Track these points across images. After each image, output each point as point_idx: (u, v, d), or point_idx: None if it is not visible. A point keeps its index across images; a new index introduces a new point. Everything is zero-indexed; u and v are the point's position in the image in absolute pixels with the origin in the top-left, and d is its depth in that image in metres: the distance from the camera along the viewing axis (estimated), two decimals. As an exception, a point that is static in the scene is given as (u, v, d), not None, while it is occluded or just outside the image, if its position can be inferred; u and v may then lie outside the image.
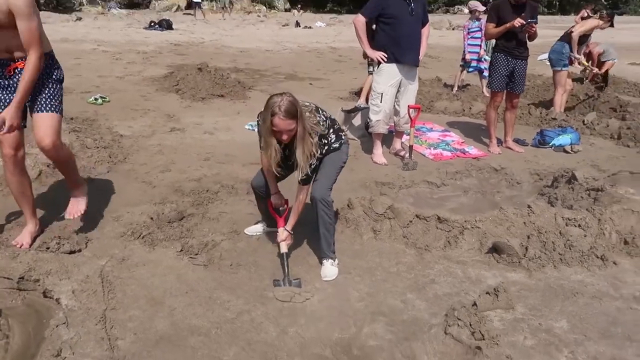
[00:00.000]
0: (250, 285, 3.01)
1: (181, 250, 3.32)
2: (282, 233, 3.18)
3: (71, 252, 3.17)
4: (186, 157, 5.17)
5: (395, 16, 4.92)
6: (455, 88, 9.16)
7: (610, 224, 3.59)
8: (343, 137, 3.22)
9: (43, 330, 2.51)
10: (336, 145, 3.15)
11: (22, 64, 2.96)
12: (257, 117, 3.06)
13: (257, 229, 3.64)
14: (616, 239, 3.55)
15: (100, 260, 3.14)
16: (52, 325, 2.54)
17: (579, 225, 3.54)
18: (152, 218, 3.72)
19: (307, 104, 3.04)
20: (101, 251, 3.25)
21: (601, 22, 7.45)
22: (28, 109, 3.13)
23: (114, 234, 3.50)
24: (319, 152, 2.99)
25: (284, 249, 3.14)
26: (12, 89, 3.02)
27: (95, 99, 7.18)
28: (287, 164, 3.16)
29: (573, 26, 7.69)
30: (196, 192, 4.24)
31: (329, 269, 3.16)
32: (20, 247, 3.16)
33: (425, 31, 5.21)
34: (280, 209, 3.36)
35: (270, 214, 3.40)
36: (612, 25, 7.73)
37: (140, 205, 3.95)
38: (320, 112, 3.08)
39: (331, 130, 3.11)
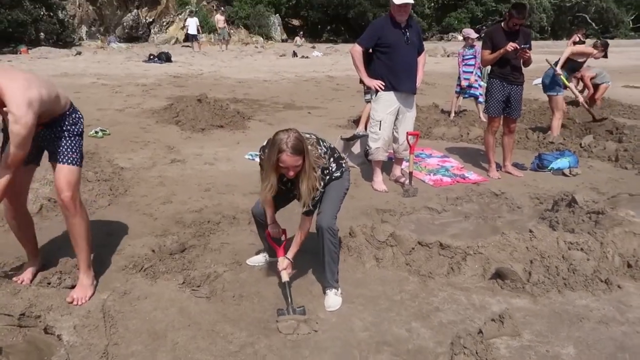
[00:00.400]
0: (253, 317, 2.99)
1: (183, 283, 3.30)
2: (283, 262, 3.17)
3: (73, 287, 3.14)
4: (187, 188, 5.18)
5: (391, 45, 5.00)
6: (452, 114, 9.23)
7: (613, 247, 3.58)
8: (343, 164, 3.24)
9: (45, 368, 2.49)
10: (337, 174, 3.17)
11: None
12: (260, 152, 3.10)
13: (259, 259, 3.62)
14: (619, 262, 3.54)
15: (102, 295, 3.12)
16: (54, 362, 2.51)
17: (582, 249, 3.53)
18: (153, 250, 3.71)
19: (308, 135, 3.07)
20: (103, 285, 3.23)
21: (595, 52, 7.54)
22: (46, 150, 3.12)
23: (115, 267, 3.48)
24: (321, 184, 3.02)
25: (285, 277, 3.12)
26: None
27: (96, 132, 7.22)
28: (287, 196, 3.19)
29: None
30: (197, 223, 4.24)
31: (333, 299, 3.14)
32: (21, 283, 3.14)
33: (421, 59, 5.29)
34: (279, 238, 3.35)
35: (270, 244, 3.40)
36: (605, 56, 7.84)
37: (141, 238, 3.95)
38: (322, 143, 3.11)
39: (332, 160, 3.13)
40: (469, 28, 9.22)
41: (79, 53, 21.89)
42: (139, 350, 2.64)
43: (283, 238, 3.36)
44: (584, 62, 7.77)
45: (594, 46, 7.58)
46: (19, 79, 2.70)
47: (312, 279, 3.41)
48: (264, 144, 3.08)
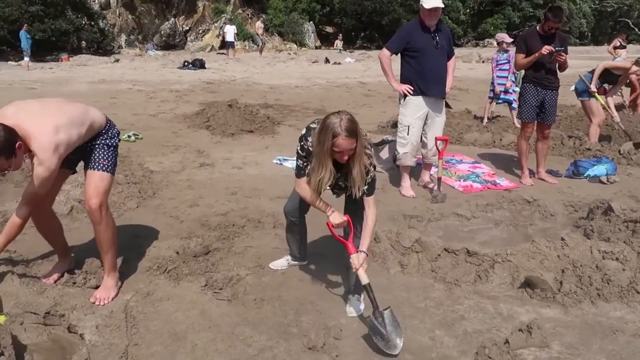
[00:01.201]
0: (274, 320, 2.95)
1: (205, 285, 3.30)
2: (358, 258, 2.83)
3: (97, 287, 3.18)
4: (214, 192, 5.21)
5: (420, 49, 4.93)
6: (485, 120, 9.07)
7: (651, 257, 3.41)
8: (375, 164, 3.10)
9: (66, 367, 2.51)
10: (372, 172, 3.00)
11: None
12: (301, 141, 2.93)
13: (282, 263, 3.59)
14: (657, 273, 3.36)
15: (125, 295, 3.15)
16: (75, 360, 2.53)
17: (617, 259, 3.37)
18: (177, 252, 3.73)
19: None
20: (126, 286, 3.26)
21: (635, 68, 7.11)
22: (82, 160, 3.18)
23: (140, 268, 3.51)
24: (373, 166, 2.93)
25: (364, 279, 2.81)
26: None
27: (129, 136, 7.36)
28: (338, 185, 3.04)
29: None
30: (222, 227, 4.25)
31: (355, 304, 3.08)
32: (48, 282, 3.19)
33: (451, 64, 5.20)
34: (344, 228, 2.99)
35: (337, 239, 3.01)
36: None
37: (167, 240, 3.98)
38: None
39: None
40: (503, 33, 9.04)
41: (117, 60, 22.49)
42: (159, 351, 2.64)
43: (347, 225, 2.97)
44: (620, 75, 7.40)
45: (636, 63, 7.16)
46: (48, 124, 2.74)
47: (334, 283, 3.36)
48: (304, 132, 2.93)
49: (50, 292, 3.01)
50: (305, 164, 2.95)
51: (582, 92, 7.21)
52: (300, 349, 2.67)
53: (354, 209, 3.07)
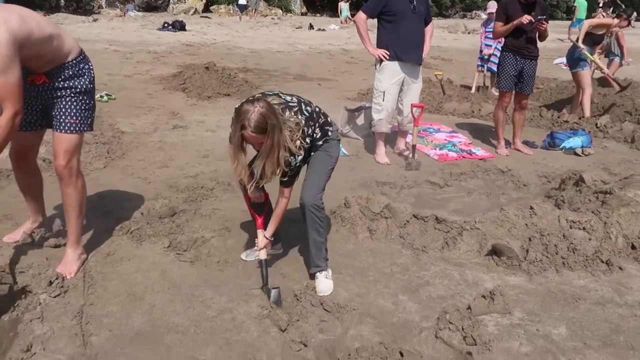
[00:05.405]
0: (235, 283, 2.91)
1: (169, 246, 3.23)
2: (261, 240, 2.92)
3: (56, 247, 3.09)
4: (185, 154, 5.10)
5: (397, 13, 4.80)
6: (474, 89, 9.07)
7: (617, 227, 3.42)
8: (330, 132, 2.93)
9: (17, 325, 2.44)
10: (319, 142, 2.88)
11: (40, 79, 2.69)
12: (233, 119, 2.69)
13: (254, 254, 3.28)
14: (623, 243, 3.38)
15: (84, 255, 3.06)
16: (27, 320, 2.46)
17: (584, 228, 3.37)
18: (142, 213, 3.65)
19: (289, 98, 2.79)
20: (87, 246, 3.15)
21: (615, 21, 7.23)
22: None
23: (102, 229, 3.41)
24: (296, 160, 2.72)
25: (262, 255, 2.89)
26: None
27: (101, 97, 7.14)
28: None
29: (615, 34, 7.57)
30: (191, 189, 4.16)
31: (324, 283, 2.90)
32: (9, 240, 3.07)
33: (429, 29, 5.09)
34: (261, 203, 3.04)
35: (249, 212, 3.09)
36: (630, 24, 7.52)
37: (132, 201, 3.88)
38: (303, 108, 2.77)
39: (316, 126, 2.83)
40: (493, 1, 8.98)
41: (96, 20, 21.83)
42: (114, 312, 2.58)
43: (264, 202, 3.05)
44: (604, 34, 7.43)
45: (618, 16, 7.24)
46: None
47: (301, 250, 3.31)
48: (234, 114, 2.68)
49: (5, 250, 2.93)
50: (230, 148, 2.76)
51: (575, 62, 7.14)
52: (260, 312, 2.63)
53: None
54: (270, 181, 2.85)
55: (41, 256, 2.96)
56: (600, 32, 7.30)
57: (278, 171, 2.69)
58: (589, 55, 7.13)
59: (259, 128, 2.49)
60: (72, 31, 16.31)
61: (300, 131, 2.69)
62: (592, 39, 7.22)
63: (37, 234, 3.15)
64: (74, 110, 2.75)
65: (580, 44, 7.05)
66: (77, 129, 2.77)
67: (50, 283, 2.71)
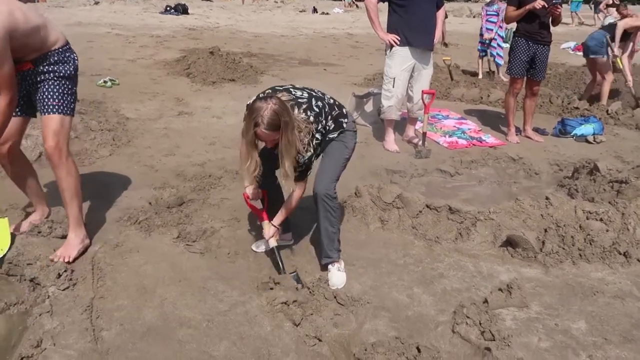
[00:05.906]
0: (247, 275, 2.85)
1: (178, 237, 3.17)
2: (269, 228, 2.87)
3: (63, 237, 3.02)
4: (192, 141, 5.02)
5: (408, -2, 4.69)
6: (480, 75, 8.96)
7: (635, 218, 3.34)
8: (345, 124, 2.86)
9: (26, 319, 2.39)
10: (334, 134, 2.82)
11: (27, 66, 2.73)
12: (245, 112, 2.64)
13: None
14: (641, 235, 3.31)
15: (93, 246, 3.01)
16: (36, 313, 2.41)
17: (601, 219, 3.31)
18: (150, 203, 3.59)
19: (300, 94, 2.71)
20: (95, 237, 3.10)
21: None
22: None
23: (109, 219, 3.36)
24: (312, 150, 2.68)
25: (273, 243, 2.86)
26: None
27: (105, 82, 7.06)
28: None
29: (620, 19, 7.31)
30: (199, 177, 4.10)
31: (337, 276, 2.85)
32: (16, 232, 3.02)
33: (440, 14, 4.97)
34: (258, 201, 3.01)
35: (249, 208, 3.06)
36: None
37: (139, 190, 3.82)
38: (314, 103, 2.70)
39: (329, 118, 2.76)
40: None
41: (97, 3, 21.60)
42: (125, 305, 2.53)
43: (263, 199, 3.02)
44: (632, 34, 7.21)
45: None
46: None
47: (313, 241, 3.25)
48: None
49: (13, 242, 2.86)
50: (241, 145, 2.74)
51: (597, 49, 6.98)
52: (273, 305, 2.57)
53: (271, 182, 3.01)
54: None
55: (48, 247, 2.90)
56: (630, 32, 7.12)
57: (299, 165, 2.66)
58: (620, 62, 6.99)
59: (272, 125, 2.45)
60: (73, 14, 16.18)
61: (308, 130, 2.63)
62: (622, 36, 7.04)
63: (43, 224, 3.10)
64: (57, 94, 2.81)
65: (616, 47, 6.88)
66: (60, 110, 2.81)
67: (59, 275, 2.66)
